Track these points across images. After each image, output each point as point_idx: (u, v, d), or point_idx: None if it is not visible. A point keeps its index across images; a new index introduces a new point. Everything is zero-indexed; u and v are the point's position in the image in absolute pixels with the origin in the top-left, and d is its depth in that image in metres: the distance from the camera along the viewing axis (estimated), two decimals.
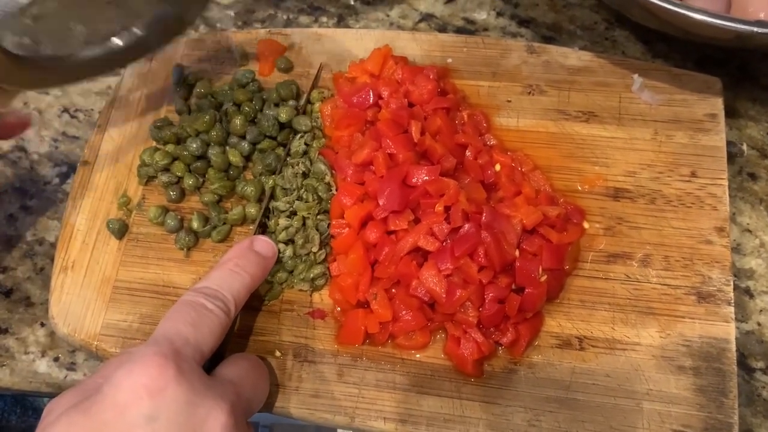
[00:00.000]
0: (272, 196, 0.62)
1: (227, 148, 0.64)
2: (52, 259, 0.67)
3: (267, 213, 0.61)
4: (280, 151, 0.64)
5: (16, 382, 0.63)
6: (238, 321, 0.58)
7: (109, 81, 0.75)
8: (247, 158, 0.64)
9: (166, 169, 0.64)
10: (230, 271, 0.53)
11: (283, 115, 0.64)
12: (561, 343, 0.56)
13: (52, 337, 0.64)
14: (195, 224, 0.62)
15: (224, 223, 0.62)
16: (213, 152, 0.63)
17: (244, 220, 0.62)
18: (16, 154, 0.73)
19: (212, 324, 0.49)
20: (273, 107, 0.65)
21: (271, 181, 0.62)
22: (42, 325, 0.65)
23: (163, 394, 0.43)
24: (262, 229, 0.61)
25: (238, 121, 0.63)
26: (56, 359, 0.64)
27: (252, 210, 0.61)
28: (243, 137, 0.64)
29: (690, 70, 0.66)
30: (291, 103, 0.65)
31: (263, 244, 0.56)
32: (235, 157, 0.63)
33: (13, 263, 0.68)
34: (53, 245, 0.68)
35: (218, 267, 0.54)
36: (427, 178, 0.56)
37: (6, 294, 0.67)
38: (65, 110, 0.75)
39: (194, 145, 0.63)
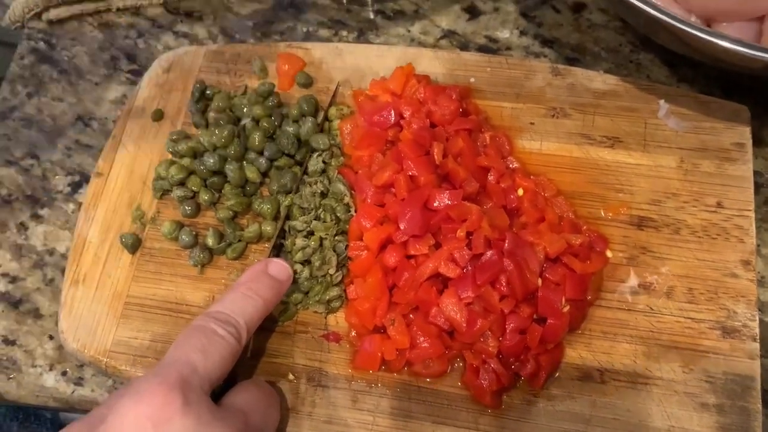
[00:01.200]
0: (288, 216, 0.60)
1: (244, 164, 0.63)
2: (63, 271, 0.66)
3: (282, 233, 0.60)
4: (297, 170, 0.63)
5: (22, 395, 0.62)
6: (252, 343, 0.57)
7: (124, 90, 0.74)
8: (265, 174, 0.63)
9: (182, 184, 0.63)
10: (243, 294, 0.52)
11: (304, 131, 0.63)
12: (582, 375, 0.55)
13: (61, 351, 0.63)
14: (210, 241, 0.60)
15: (239, 241, 0.61)
16: (230, 168, 0.62)
17: (259, 238, 0.61)
18: (28, 161, 0.72)
19: (222, 350, 0.48)
20: (292, 123, 0.64)
21: (288, 200, 0.60)
22: (50, 338, 0.64)
23: (169, 425, 0.42)
24: (278, 249, 0.60)
25: (256, 137, 0.62)
26: (64, 373, 0.62)
27: (268, 228, 0.60)
28: (261, 153, 0.63)
29: (716, 96, 0.65)
30: (311, 119, 0.64)
31: (278, 267, 0.55)
32: (252, 174, 0.62)
33: (23, 273, 0.67)
34: (64, 256, 0.67)
35: (231, 290, 0.53)
36: (449, 202, 0.55)
37: (15, 305, 0.66)
38: (79, 118, 0.74)
39: (211, 160, 0.62)
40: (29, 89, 0.76)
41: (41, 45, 0.79)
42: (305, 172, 0.62)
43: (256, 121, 0.64)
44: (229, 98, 0.67)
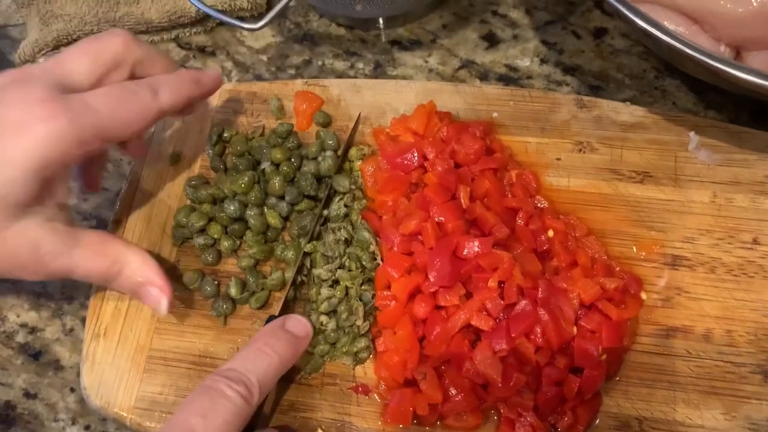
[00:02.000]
0: (309, 264, 0.59)
1: (265, 209, 0.61)
2: (82, 320, 0.65)
3: (296, 279, 0.59)
4: (317, 209, 0.61)
5: None
6: (272, 398, 0.55)
7: None
8: (286, 218, 0.62)
9: (203, 230, 0.62)
10: (258, 351, 0.50)
11: (325, 167, 0.61)
12: (620, 424, 0.53)
13: (83, 404, 0.62)
14: (233, 291, 0.59)
15: (263, 289, 0.59)
16: (251, 214, 0.61)
17: (282, 286, 0.60)
18: None
19: (227, 413, 0.46)
20: (311, 161, 0.63)
21: (310, 246, 0.59)
22: (72, 390, 0.63)
23: None
24: (293, 293, 0.58)
25: (276, 183, 0.61)
26: (87, 428, 0.61)
27: (291, 275, 0.59)
28: (282, 198, 0.61)
29: (745, 121, 0.63)
30: (331, 154, 0.62)
31: (296, 323, 0.54)
32: (273, 219, 0.61)
33: (41, 323, 0.66)
34: (83, 305, 0.66)
35: (246, 347, 0.51)
36: (479, 250, 0.53)
37: (34, 356, 0.64)
38: None
39: (232, 207, 0.60)
40: None
41: None
42: (325, 218, 0.61)
43: (276, 164, 0.62)
44: (247, 140, 0.65)
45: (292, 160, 0.63)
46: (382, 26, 0.75)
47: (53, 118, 0.46)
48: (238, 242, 0.62)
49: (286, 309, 0.57)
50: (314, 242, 0.60)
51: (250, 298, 0.59)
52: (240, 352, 0.51)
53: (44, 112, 0.46)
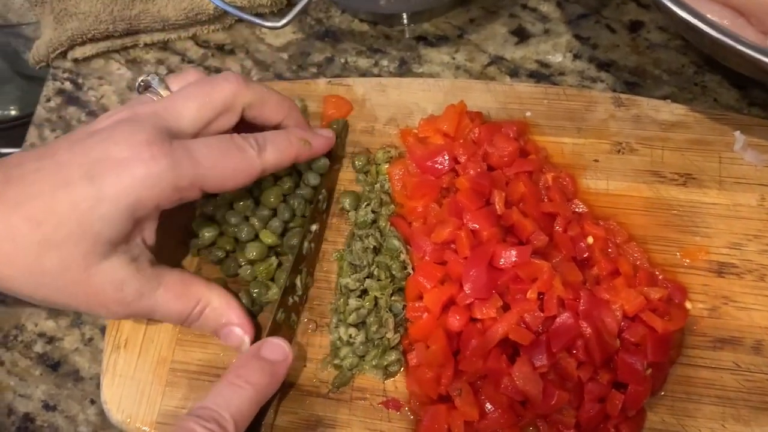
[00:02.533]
0: (294, 284, 0.56)
1: (257, 225, 0.58)
2: (101, 329, 0.63)
3: (285, 303, 0.55)
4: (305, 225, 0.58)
5: None
6: (273, 419, 0.53)
7: None
8: (283, 234, 0.59)
9: (214, 243, 0.59)
10: (230, 384, 0.48)
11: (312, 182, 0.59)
12: None
13: (103, 416, 0.60)
14: (243, 301, 0.57)
15: (268, 303, 0.57)
16: (244, 229, 0.58)
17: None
18: None
19: None
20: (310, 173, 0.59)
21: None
22: (92, 402, 0.61)
23: None
24: (284, 315, 0.55)
25: (271, 196, 0.58)
26: None
27: (277, 297, 0.56)
28: (274, 212, 0.59)
29: None
30: (322, 162, 0.59)
31: (271, 347, 0.51)
32: (268, 238, 0.57)
33: (60, 333, 0.64)
34: None
35: (219, 381, 0.49)
36: (516, 260, 0.51)
37: (53, 367, 0.63)
38: None
39: (233, 219, 0.58)
40: (57, 133, 0.73)
41: (67, 85, 0.75)
42: (314, 225, 0.58)
43: (276, 177, 0.59)
44: None
45: (293, 175, 0.60)
46: (406, 22, 0.73)
47: (154, 161, 0.46)
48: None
49: (277, 333, 0.54)
50: (341, 251, 0.57)
51: (260, 311, 0.57)
52: (213, 387, 0.49)
53: (147, 154, 0.46)
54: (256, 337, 0.55)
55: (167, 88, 0.53)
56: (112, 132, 0.47)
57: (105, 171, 0.45)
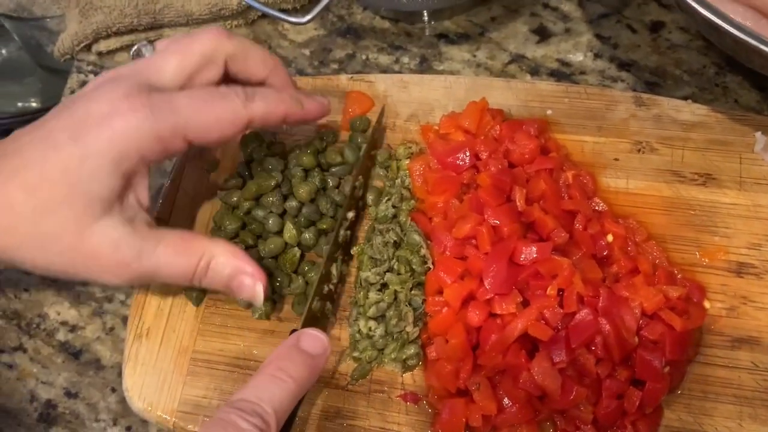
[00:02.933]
0: (329, 272, 0.56)
1: (285, 221, 0.59)
2: (122, 319, 0.64)
3: (321, 290, 0.55)
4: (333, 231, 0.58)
5: None
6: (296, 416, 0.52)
7: None
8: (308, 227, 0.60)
9: (236, 235, 0.60)
10: (271, 377, 0.46)
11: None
12: None
13: (124, 404, 0.61)
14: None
15: (291, 294, 0.58)
16: (270, 223, 0.59)
17: (304, 295, 0.58)
18: None
19: None
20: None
21: (358, 249, 0.57)
22: (113, 390, 0.62)
23: None
24: (320, 305, 0.55)
25: (302, 190, 0.59)
26: (129, 429, 0.60)
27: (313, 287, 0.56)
28: (301, 206, 0.59)
29: None
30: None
31: (311, 340, 0.48)
32: (290, 235, 0.58)
33: (82, 322, 0.65)
34: (123, 303, 0.65)
35: (258, 372, 0.47)
36: (537, 256, 0.51)
37: (75, 355, 0.64)
38: None
39: (260, 213, 0.59)
40: None
41: (91, 77, 0.76)
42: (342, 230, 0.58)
43: (306, 170, 0.60)
44: (284, 144, 0.63)
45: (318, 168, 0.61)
46: (427, 19, 0.73)
47: (132, 112, 0.46)
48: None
49: (313, 322, 0.53)
50: (361, 244, 0.58)
51: (280, 300, 0.58)
52: (252, 379, 0.46)
53: (125, 107, 0.46)
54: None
55: (155, 50, 0.53)
56: (93, 92, 0.48)
57: (87, 129, 0.46)
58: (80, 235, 0.47)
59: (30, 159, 0.46)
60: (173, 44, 0.52)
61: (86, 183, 0.46)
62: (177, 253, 0.50)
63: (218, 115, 0.49)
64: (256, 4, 0.64)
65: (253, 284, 0.51)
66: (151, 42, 0.54)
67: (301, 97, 0.55)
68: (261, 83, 0.55)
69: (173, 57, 0.51)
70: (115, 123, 0.46)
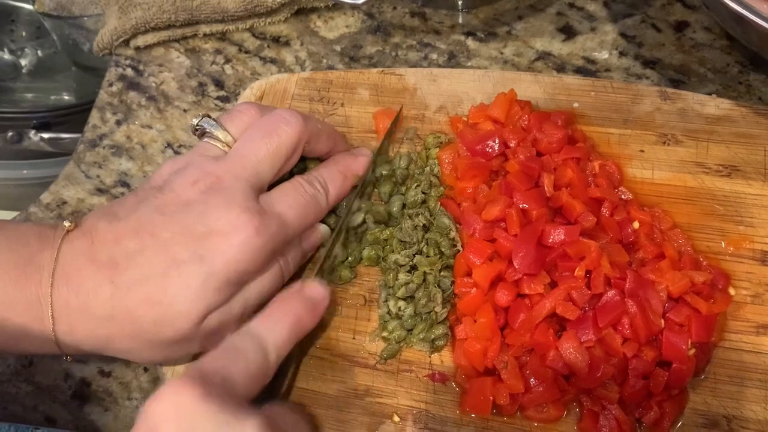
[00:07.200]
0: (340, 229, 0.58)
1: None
2: None
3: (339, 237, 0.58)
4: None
5: (119, 429, 0.61)
6: (288, 381, 0.55)
7: None
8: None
9: None
10: (271, 313, 0.50)
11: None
12: (708, 422, 0.51)
13: (156, 383, 0.62)
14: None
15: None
16: None
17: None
18: (119, 189, 0.72)
19: (251, 366, 0.46)
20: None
21: (386, 232, 0.59)
22: (145, 370, 0.63)
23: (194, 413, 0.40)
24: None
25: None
26: None
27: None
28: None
29: None
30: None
31: (313, 287, 0.53)
32: None
33: None
34: None
35: (261, 312, 0.51)
36: (565, 238, 0.52)
37: None
38: (168, 145, 0.74)
39: None
40: (118, 116, 0.76)
41: (129, 72, 0.79)
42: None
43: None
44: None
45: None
46: (461, 6, 0.75)
47: (251, 231, 0.50)
48: None
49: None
50: (390, 228, 0.59)
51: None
52: (256, 316, 0.50)
53: (241, 222, 0.50)
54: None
55: (224, 129, 0.55)
56: (207, 206, 0.51)
57: (212, 248, 0.49)
58: (196, 333, 0.51)
59: (149, 273, 0.49)
60: (259, 139, 0.54)
61: (210, 298, 0.50)
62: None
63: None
64: None
65: None
66: (209, 116, 0.56)
67: (354, 165, 0.60)
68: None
69: (264, 154, 0.53)
70: (235, 240, 0.50)
